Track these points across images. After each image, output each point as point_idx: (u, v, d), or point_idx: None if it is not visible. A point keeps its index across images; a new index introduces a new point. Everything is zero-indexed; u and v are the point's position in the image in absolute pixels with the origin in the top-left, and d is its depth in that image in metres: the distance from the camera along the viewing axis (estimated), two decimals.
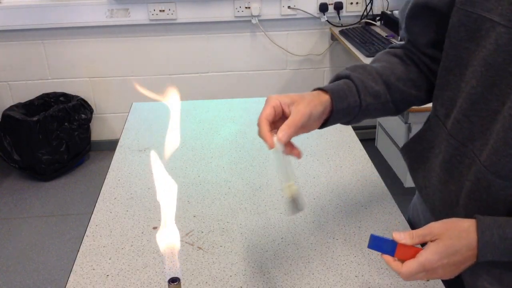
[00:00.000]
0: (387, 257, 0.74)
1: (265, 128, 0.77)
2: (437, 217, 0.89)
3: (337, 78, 0.90)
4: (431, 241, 0.72)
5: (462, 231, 0.72)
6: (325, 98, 0.84)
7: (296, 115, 0.78)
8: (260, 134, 0.78)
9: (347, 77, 0.88)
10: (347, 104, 0.85)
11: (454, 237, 0.72)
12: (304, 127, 0.80)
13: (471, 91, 0.77)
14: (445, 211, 0.86)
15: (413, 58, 0.95)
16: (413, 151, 0.96)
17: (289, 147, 0.79)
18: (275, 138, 0.76)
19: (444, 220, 0.75)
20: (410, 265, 0.72)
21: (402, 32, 0.95)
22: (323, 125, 0.87)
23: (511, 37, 0.69)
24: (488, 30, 0.73)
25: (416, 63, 0.94)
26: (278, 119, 0.80)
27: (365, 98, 0.87)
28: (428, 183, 0.91)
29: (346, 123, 0.90)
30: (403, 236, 0.73)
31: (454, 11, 0.79)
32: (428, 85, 0.94)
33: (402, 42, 0.98)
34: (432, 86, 0.90)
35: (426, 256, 0.71)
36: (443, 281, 0.89)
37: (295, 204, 0.73)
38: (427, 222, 1.00)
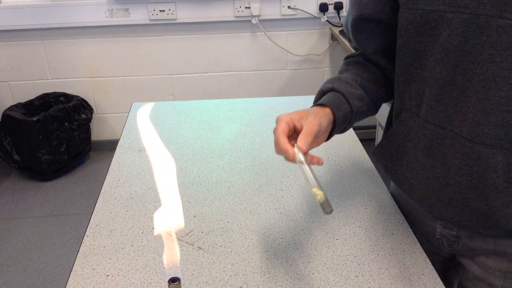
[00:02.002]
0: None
1: (285, 140, 0.81)
2: (426, 204, 0.92)
3: (323, 93, 0.96)
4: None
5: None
6: (327, 111, 0.90)
7: (309, 125, 0.83)
8: (279, 148, 0.82)
9: (331, 90, 0.95)
10: (343, 113, 0.92)
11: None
12: (315, 139, 0.85)
13: (436, 77, 0.82)
14: (434, 195, 0.89)
15: (371, 60, 1.02)
16: (387, 150, 0.99)
17: (309, 157, 0.82)
18: (295, 149, 0.81)
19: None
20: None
21: (352, 43, 1.03)
22: (329, 136, 0.93)
23: (459, 20, 0.75)
24: (436, 21, 0.79)
25: (375, 65, 1.01)
26: (290, 135, 0.84)
27: (354, 103, 0.93)
28: (410, 175, 0.94)
29: (342, 131, 0.96)
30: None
31: (400, 13, 0.85)
32: (391, 81, 1.01)
33: (358, 52, 1.05)
34: (393, 82, 0.97)
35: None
36: (442, 279, 0.89)
37: (322, 207, 0.76)
38: (411, 216, 1.05)
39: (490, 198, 0.82)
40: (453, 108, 0.82)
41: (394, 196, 1.11)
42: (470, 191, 0.83)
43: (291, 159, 0.80)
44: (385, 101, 1.03)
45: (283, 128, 0.83)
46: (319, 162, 0.82)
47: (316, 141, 0.86)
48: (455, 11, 0.76)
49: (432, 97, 0.84)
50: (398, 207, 1.08)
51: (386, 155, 1.00)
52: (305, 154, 0.81)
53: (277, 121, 0.85)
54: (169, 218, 0.59)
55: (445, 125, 0.84)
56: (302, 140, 0.81)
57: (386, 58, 0.98)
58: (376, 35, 0.96)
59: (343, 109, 0.91)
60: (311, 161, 0.81)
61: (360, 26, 0.95)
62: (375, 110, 1.00)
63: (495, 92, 0.74)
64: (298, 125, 0.85)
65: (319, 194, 0.76)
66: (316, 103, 0.93)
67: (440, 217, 0.92)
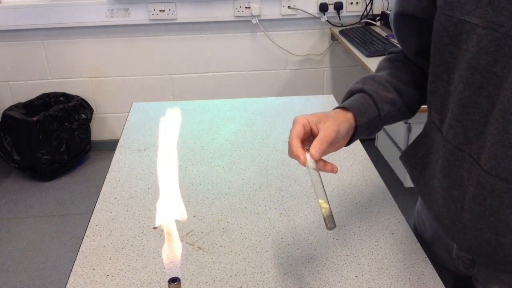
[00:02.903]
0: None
1: (297, 145, 0.78)
2: (442, 223, 0.88)
3: (351, 93, 0.91)
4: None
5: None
6: (349, 115, 0.85)
7: (326, 131, 0.79)
8: (291, 151, 0.79)
9: (360, 90, 0.89)
10: (368, 117, 0.87)
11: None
12: (332, 144, 0.81)
13: (459, 96, 0.77)
14: (449, 217, 0.85)
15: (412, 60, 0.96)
16: (413, 158, 0.96)
17: (322, 163, 0.79)
18: (308, 155, 0.77)
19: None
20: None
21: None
22: (350, 141, 0.88)
23: (491, 38, 0.69)
24: (469, 33, 0.73)
25: (417, 64, 0.95)
26: (306, 138, 0.81)
27: (383, 108, 0.88)
28: (430, 189, 0.90)
29: (368, 134, 0.91)
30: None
31: (436, 16, 0.79)
32: None
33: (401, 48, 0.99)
34: None
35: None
36: (444, 281, 0.89)
37: (326, 222, 0.74)
38: (432, 228, 1.00)
39: (501, 233, 0.77)
40: (473, 132, 0.76)
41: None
42: (482, 222, 0.78)
43: (301, 163, 0.77)
44: (424, 104, 0.96)
45: (298, 132, 0.79)
46: (333, 170, 0.79)
47: (334, 146, 0.82)
48: (488, 27, 0.69)
49: (453, 116, 0.79)
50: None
51: (411, 163, 0.96)
52: (318, 161, 0.77)
53: (294, 122, 0.81)
54: (170, 216, 0.59)
55: (464, 148, 0.79)
56: (316, 147, 0.77)
57: (428, 60, 0.87)
58: (417, 34, 0.89)
59: (369, 113, 0.86)
60: (324, 167, 0.78)
61: (402, 23, 0.90)
62: (409, 114, 0.95)
63: None
64: (315, 129, 0.81)
65: (324, 208, 0.74)
66: (341, 104, 0.88)
67: (453, 239, 0.87)
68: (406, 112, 0.93)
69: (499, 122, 0.71)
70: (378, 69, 0.98)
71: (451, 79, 0.79)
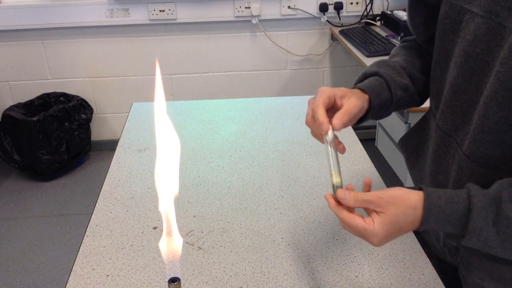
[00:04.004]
0: (330, 198, 0.74)
1: (323, 113, 0.78)
2: None
3: (365, 76, 0.92)
4: (375, 211, 0.71)
5: (408, 207, 0.70)
6: (366, 97, 0.86)
7: (350, 105, 0.81)
8: (316, 118, 0.78)
9: (375, 74, 0.90)
10: (380, 100, 0.88)
11: (401, 214, 0.70)
12: (353, 119, 0.83)
13: (452, 82, 0.79)
14: None
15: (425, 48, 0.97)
16: (409, 145, 0.97)
17: (337, 140, 0.80)
18: (330, 127, 0.78)
19: (391, 193, 0.72)
20: (354, 221, 0.71)
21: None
22: (360, 121, 0.89)
23: (487, 27, 0.71)
24: (468, 21, 0.75)
25: (429, 53, 0.96)
26: (328, 109, 0.81)
27: (396, 92, 0.89)
28: (423, 175, 0.92)
29: (377, 117, 0.92)
30: (347, 196, 0.72)
31: (442, 4, 0.81)
32: None
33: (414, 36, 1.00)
34: None
35: (371, 225, 0.70)
36: (443, 279, 0.89)
37: (334, 192, 0.75)
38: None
39: None
40: (461, 119, 0.79)
41: None
42: None
43: (323, 132, 0.77)
44: None
45: (325, 100, 0.80)
46: (342, 150, 0.81)
47: (350, 121, 0.84)
48: (485, 16, 0.71)
49: (445, 102, 0.81)
50: None
51: (408, 149, 0.97)
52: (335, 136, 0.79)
53: (319, 91, 0.81)
54: (170, 213, 0.59)
55: (451, 134, 0.81)
56: (339, 118, 0.78)
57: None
58: (429, 22, 0.89)
59: (382, 97, 0.88)
60: (337, 144, 0.80)
61: (415, 10, 0.91)
62: (419, 102, 0.96)
63: (495, 111, 0.71)
64: (338, 103, 0.82)
65: (336, 180, 0.75)
66: (357, 86, 0.89)
67: None
68: (416, 99, 0.94)
69: (481, 108, 0.72)
70: (392, 56, 0.99)
71: (448, 66, 0.81)
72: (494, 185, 0.71)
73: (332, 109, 0.82)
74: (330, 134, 0.78)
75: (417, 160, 0.95)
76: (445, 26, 0.80)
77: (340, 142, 0.80)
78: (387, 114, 0.93)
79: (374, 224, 0.70)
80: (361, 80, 0.92)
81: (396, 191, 0.72)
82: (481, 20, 0.72)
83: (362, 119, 0.88)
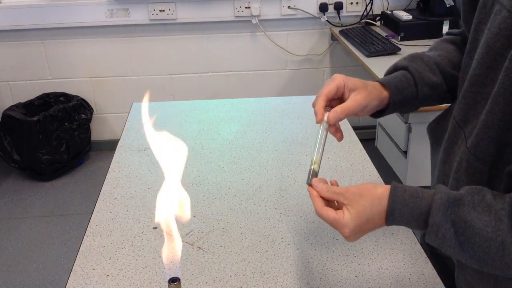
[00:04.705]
0: (312, 189, 0.78)
1: (321, 103, 0.81)
2: None
3: (395, 68, 0.92)
4: (345, 204, 0.75)
5: (375, 198, 0.74)
6: (385, 93, 0.87)
7: (353, 102, 0.82)
8: (314, 106, 0.82)
9: (404, 68, 0.90)
10: (404, 97, 0.88)
11: (367, 205, 0.74)
12: (356, 114, 0.84)
13: (472, 73, 0.78)
14: None
15: None
16: (435, 131, 0.97)
17: (335, 128, 0.83)
18: (325, 115, 0.81)
19: (360, 186, 0.76)
20: (327, 212, 0.75)
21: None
22: (380, 114, 0.90)
23: (511, 22, 0.70)
24: (496, 14, 0.73)
25: None
26: (335, 98, 0.83)
27: (422, 90, 0.89)
28: (437, 163, 0.92)
29: (402, 112, 0.94)
30: (320, 186, 0.77)
31: None
32: None
33: (460, 30, 0.98)
34: None
35: (341, 216, 0.74)
36: (443, 279, 0.89)
37: (308, 176, 0.80)
38: None
39: None
40: (472, 111, 0.78)
41: None
42: None
43: (316, 121, 0.81)
44: None
45: (330, 91, 0.82)
46: (339, 139, 0.84)
47: (357, 115, 0.85)
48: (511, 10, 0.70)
49: (463, 92, 0.81)
50: None
51: (434, 135, 0.97)
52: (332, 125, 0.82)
53: (332, 79, 0.83)
54: (170, 215, 0.59)
55: (461, 125, 0.81)
56: (336, 112, 0.81)
57: None
58: (474, 12, 0.87)
59: (406, 93, 0.88)
60: (334, 132, 0.82)
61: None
62: (450, 99, 0.95)
63: (501, 107, 0.70)
64: (346, 94, 0.83)
65: (315, 165, 0.80)
66: (380, 80, 0.89)
67: None
68: (447, 97, 0.94)
69: (490, 102, 0.72)
70: (431, 49, 0.98)
71: (473, 57, 0.80)
72: (463, 188, 0.72)
73: (339, 98, 0.84)
74: (323, 124, 0.82)
75: (437, 147, 0.95)
76: (480, 15, 0.79)
77: (338, 130, 0.83)
78: (414, 109, 0.93)
79: (344, 215, 0.74)
80: (390, 71, 0.92)
81: (365, 184, 0.77)
82: (507, 14, 0.71)
83: (381, 112, 0.89)
